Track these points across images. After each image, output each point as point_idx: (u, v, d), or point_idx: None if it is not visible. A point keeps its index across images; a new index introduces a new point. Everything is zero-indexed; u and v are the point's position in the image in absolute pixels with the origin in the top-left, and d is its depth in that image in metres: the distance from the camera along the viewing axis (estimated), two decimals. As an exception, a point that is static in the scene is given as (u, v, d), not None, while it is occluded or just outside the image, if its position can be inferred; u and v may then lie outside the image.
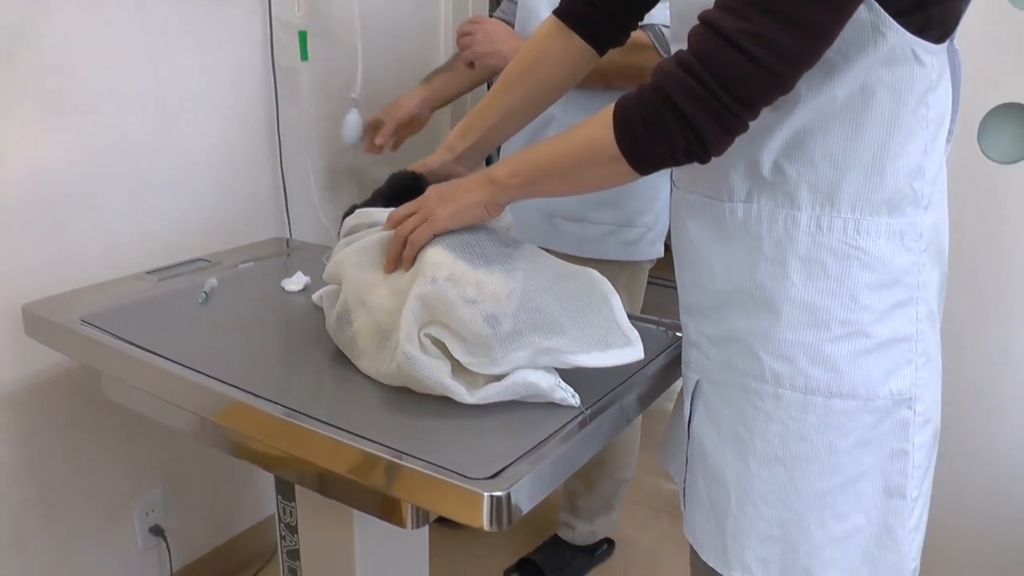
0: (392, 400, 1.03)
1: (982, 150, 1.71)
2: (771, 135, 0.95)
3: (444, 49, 2.37)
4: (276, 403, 1.01)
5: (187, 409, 1.14)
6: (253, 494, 2.11)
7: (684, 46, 0.90)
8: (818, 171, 0.95)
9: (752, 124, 0.89)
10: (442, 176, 1.22)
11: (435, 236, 1.04)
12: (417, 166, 1.25)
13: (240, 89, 1.81)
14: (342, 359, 1.13)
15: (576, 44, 1.19)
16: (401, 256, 1.06)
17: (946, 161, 1.01)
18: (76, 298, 1.40)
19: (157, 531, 1.86)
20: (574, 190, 1.04)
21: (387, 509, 0.98)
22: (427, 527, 1.06)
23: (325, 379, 1.12)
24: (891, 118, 0.92)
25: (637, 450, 2.05)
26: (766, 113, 0.89)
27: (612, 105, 0.93)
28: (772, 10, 0.82)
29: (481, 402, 0.98)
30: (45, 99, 1.48)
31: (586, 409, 1.01)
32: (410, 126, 1.86)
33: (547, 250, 1.74)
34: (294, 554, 1.29)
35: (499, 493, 0.83)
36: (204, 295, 1.39)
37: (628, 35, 1.22)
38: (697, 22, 0.87)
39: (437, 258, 1.01)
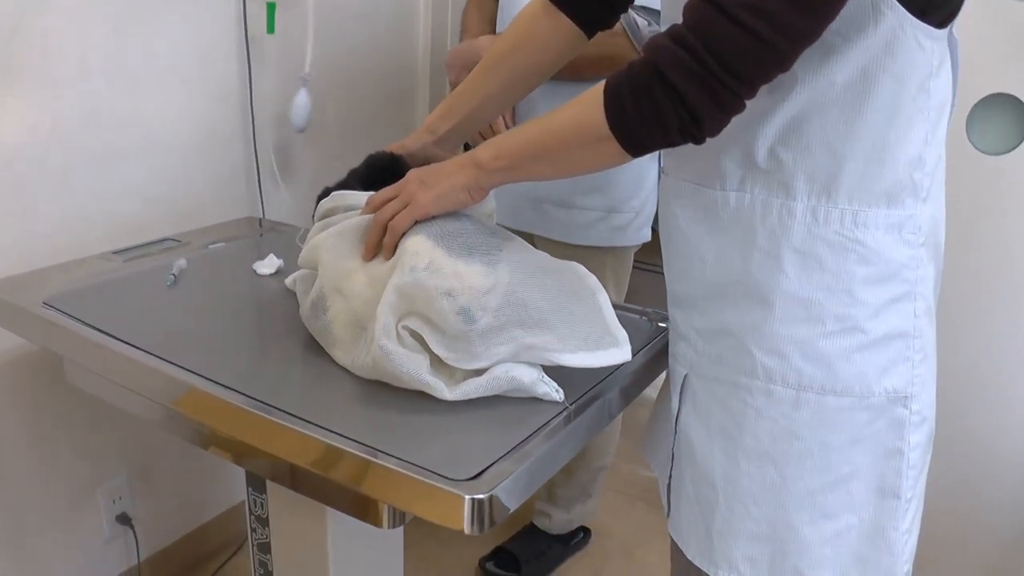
0: (367, 393, 0.98)
1: (970, 140, 1.68)
2: (766, 120, 0.91)
3: (423, 32, 2.30)
4: (243, 393, 0.97)
5: (150, 398, 1.09)
6: (224, 480, 2.06)
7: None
8: (815, 159, 0.91)
9: (747, 108, 0.85)
10: (421, 159, 1.17)
11: (416, 222, 0.99)
12: (395, 147, 1.19)
13: (211, 61, 1.74)
14: (316, 348, 1.08)
15: (563, 25, 1.14)
16: (380, 243, 1.01)
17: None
18: (39, 278, 1.34)
19: (124, 519, 1.81)
20: (561, 173, 0.99)
21: (362, 508, 0.94)
22: (403, 523, 1.02)
23: (297, 368, 1.07)
24: (892, 104, 0.88)
25: (617, 438, 2.02)
26: (762, 96, 0.85)
27: (601, 83, 0.88)
28: None
29: (461, 398, 0.94)
30: (5, 70, 1.41)
31: (570, 404, 0.97)
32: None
33: (534, 236, 1.76)
34: (265, 547, 1.25)
35: (481, 496, 0.79)
36: (172, 277, 1.33)
37: (618, 16, 1.17)
38: None
39: (417, 247, 0.96)
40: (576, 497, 2.03)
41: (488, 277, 0.94)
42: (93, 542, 1.77)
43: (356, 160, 1.19)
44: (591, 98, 0.89)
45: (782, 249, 0.94)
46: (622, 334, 0.98)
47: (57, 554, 1.70)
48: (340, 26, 2.02)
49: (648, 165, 1.62)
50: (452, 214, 1.02)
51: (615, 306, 1.04)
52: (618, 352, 0.96)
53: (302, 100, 1.81)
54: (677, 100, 0.83)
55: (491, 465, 0.84)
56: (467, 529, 0.80)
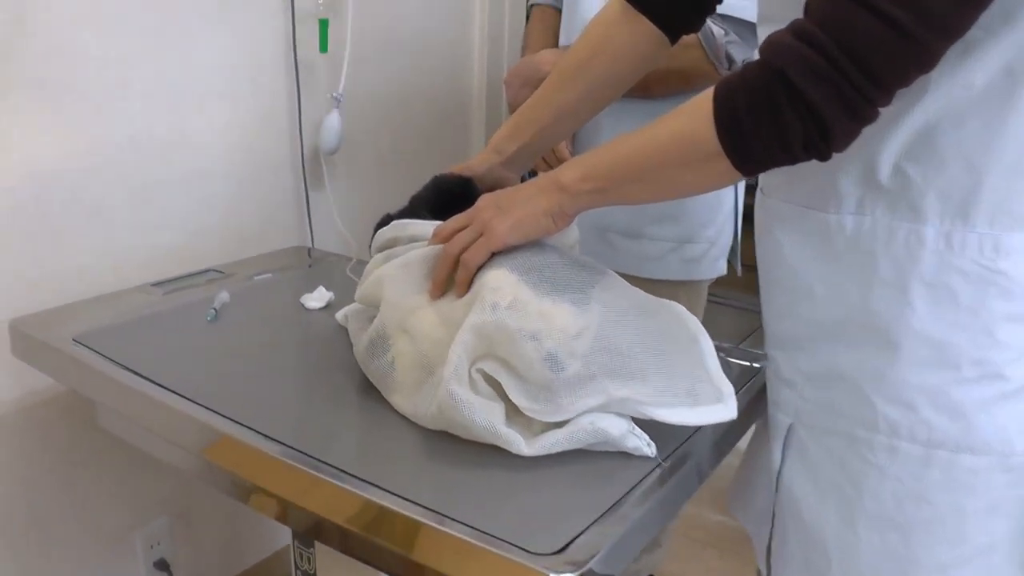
0: (431, 446, 0.87)
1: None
2: (891, 131, 0.79)
3: (478, 50, 2.21)
4: (285, 444, 0.86)
5: (183, 447, 0.98)
6: (267, 524, 1.94)
7: (772, 30, 0.74)
8: (949, 175, 0.78)
9: None
10: (488, 182, 1.06)
11: (493, 255, 0.88)
12: (460, 169, 1.08)
13: (258, 84, 1.65)
14: (371, 392, 0.97)
15: (644, 30, 1.03)
16: (451, 279, 0.90)
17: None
18: (71, 313, 1.25)
19: (162, 565, 1.70)
20: (659, 195, 0.88)
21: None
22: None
23: (348, 415, 0.95)
24: None
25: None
26: None
27: (708, 91, 0.77)
28: None
29: (540, 453, 0.82)
30: (44, 92, 1.33)
31: (664, 460, 0.84)
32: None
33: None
34: (311, 606, 1.13)
35: (571, 575, 0.66)
36: (214, 311, 1.23)
37: (704, 19, 1.05)
38: None
39: (498, 281, 0.85)
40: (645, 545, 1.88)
41: (578, 318, 0.83)
42: (130, 590, 1.67)
43: (413, 185, 1.08)
44: (697, 109, 0.77)
45: (910, 281, 0.81)
46: (727, 387, 0.86)
47: (91, 603, 1.60)
48: (388, 44, 1.92)
49: (725, 189, 1.49)
50: (534, 245, 0.90)
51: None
52: (722, 409, 0.84)
53: (333, 122, 1.71)
54: (803, 109, 0.70)
55: (580, 534, 0.72)
56: (554, 613, 0.67)
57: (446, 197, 0.99)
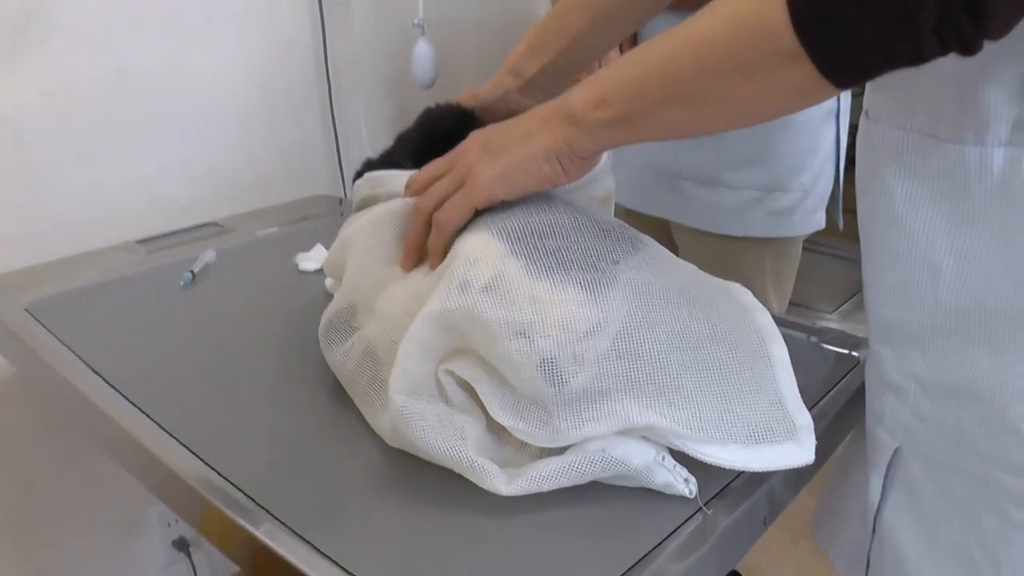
0: (403, 475, 0.64)
1: None
2: None
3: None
4: (227, 479, 0.64)
5: (113, 453, 0.79)
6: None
7: None
8: None
9: None
10: (501, 114, 0.81)
11: (477, 211, 0.64)
12: (466, 97, 0.84)
13: (276, 9, 1.43)
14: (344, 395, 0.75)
15: None
16: (425, 245, 0.67)
17: None
18: (33, 276, 1.08)
19: (181, 544, 1.55)
20: (706, 123, 0.61)
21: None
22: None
23: (321, 429, 0.73)
24: None
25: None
26: None
27: None
28: None
29: (524, 492, 0.58)
30: (13, 17, 1.14)
31: (706, 505, 0.60)
32: None
33: (670, 224, 1.37)
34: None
35: None
36: (190, 275, 1.03)
37: None
38: None
39: (476, 250, 0.61)
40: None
41: (590, 308, 0.58)
42: (147, 571, 1.53)
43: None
44: None
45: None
46: (803, 418, 0.61)
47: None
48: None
49: (823, 124, 1.20)
50: (539, 200, 0.66)
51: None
52: (794, 450, 0.59)
53: (424, 51, 1.47)
54: None
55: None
56: None
57: (438, 136, 0.75)
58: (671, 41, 0.56)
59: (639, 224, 0.93)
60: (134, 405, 0.75)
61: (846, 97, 1.22)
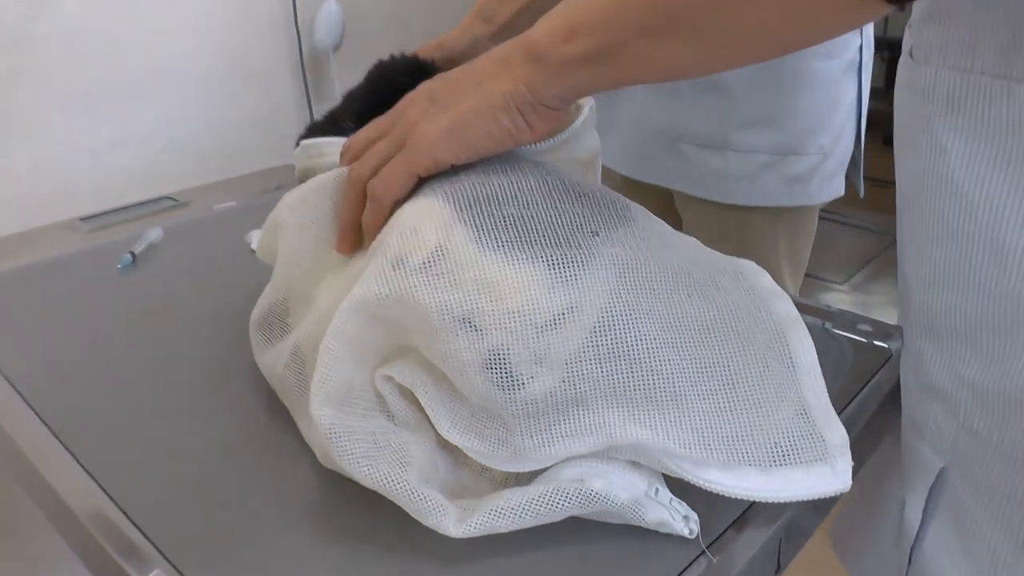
0: (347, 506, 0.52)
1: None
2: None
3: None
4: (127, 518, 0.53)
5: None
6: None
7: None
8: None
9: None
10: (468, 65, 0.69)
11: (420, 178, 0.52)
12: (428, 48, 0.72)
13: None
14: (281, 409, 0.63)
15: None
16: (360, 220, 0.54)
17: None
18: (-44, 259, 0.96)
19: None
20: (710, 54, 0.46)
21: None
22: None
23: (254, 447, 0.60)
24: None
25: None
26: None
27: None
28: None
29: (480, 533, 0.46)
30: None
31: (709, 549, 0.48)
32: None
33: (672, 193, 1.24)
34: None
35: None
36: (129, 257, 0.92)
37: None
38: None
39: (417, 219, 0.49)
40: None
41: (557, 292, 0.46)
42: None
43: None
44: None
45: None
46: (835, 433, 0.49)
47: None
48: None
49: (843, 77, 1.06)
50: (498, 161, 0.53)
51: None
52: (826, 473, 0.47)
53: (331, 13, 1.35)
54: None
55: None
56: None
57: (388, 94, 0.62)
58: None
59: (637, 195, 0.81)
60: (34, 411, 0.63)
61: (869, 47, 1.08)
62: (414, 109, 0.52)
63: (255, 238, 0.93)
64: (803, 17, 0.41)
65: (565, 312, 0.46)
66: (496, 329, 0.44)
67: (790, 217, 1.11)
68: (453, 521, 0.45)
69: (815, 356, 0.51)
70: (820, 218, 1.17)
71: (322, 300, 0.56)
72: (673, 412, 0.46)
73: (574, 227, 0.49)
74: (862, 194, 1.16)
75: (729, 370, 0.48)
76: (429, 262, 0.46)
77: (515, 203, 0.49)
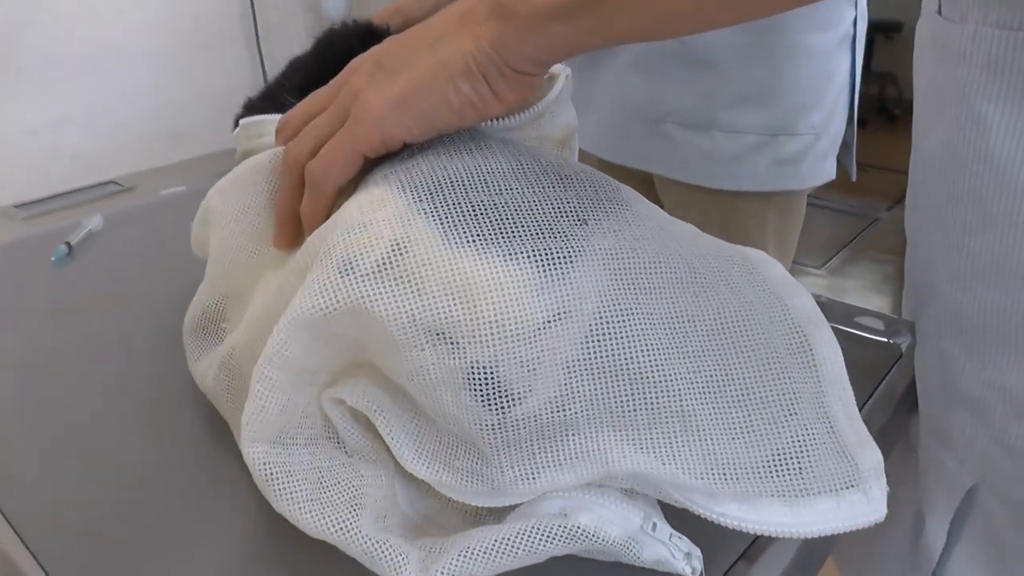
0: (292, 549, 0.45)
1: None
2: None
3: None
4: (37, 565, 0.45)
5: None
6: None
7: None
8: None
9: None
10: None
11: (368, 159, 0.44)
12: (386, 14, 0.64)
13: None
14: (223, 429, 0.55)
15: None
16: (298, 211, 0.47)
17: None
18: None
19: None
20: (695, 17, 0.40)
21: None
22: None
23: (192, 473, 0.53)
24: None
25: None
26: None
27: None
28: None
29: None
30: None
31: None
32: None
33: (653, 177, 1.17)
34: None
35: None
36: (65, 248, 0.84)
37: None
38: None
39: (366, 212, 0.41)
40: None
41: (541, 294, 0.38)
42: None
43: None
44: None
45: None
46: (868, 455, 0.42)
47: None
48: None
49: (837, 50, 1.00)
50: (459, 138, 0.46)
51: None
52: (858, 501, 0.40)
53: None
54: None
55: None
56: None
57: (339, 60, 0.54)
58: None
59: (614, 179, 0.74)
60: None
61: (863, 20, 1.02)
62: (359, 76, 0.44)
63: (203, 227, 0.86)
64: None
65: (553, 319, 0.38)
66: (474, 342, 0.37)
67: (780, 201, 1.05)
68: (415, 570, 0.38)
69: (842, 362, 0.44)
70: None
71: (257, 300, 0.48)
72: (681, 435, 0.39)
73: (557, 214, 0.42)
74: (854, 177, 1.10)
75: (745, 382, 0.41)
76: (384, 264, 0.39)
77: (484, 188, 0.42)
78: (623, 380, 0.39)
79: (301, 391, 0.41)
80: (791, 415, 0.41)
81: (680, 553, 0.40)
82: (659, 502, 0.42)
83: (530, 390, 0.38)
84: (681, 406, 0.39)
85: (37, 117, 1.13)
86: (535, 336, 0.38)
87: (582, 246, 0.41)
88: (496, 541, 0.39)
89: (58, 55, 1.13)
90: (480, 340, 0.37)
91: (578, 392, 0.39)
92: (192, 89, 1.29)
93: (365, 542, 0.38)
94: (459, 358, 0.38)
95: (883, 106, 4.38)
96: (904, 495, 0.59)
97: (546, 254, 0.39)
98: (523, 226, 0.40)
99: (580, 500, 0.40)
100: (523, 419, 0.38)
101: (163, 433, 0.55)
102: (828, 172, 1.04)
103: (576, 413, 0.39)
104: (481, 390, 0.38)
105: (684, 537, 0.41)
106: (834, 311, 0.67)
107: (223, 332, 0.52)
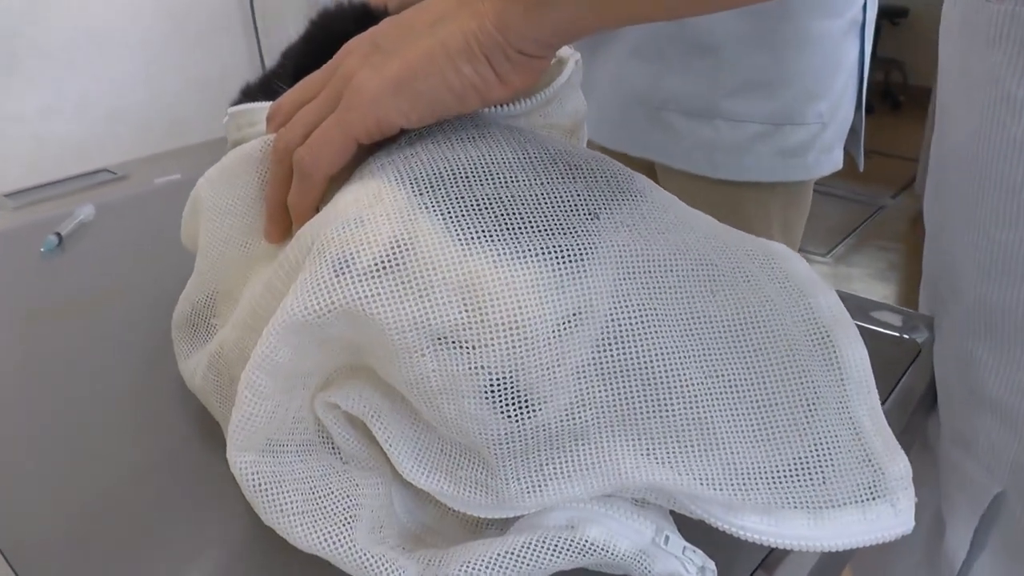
0: (280, 559, 0.43)
1: None
2: None
3: None
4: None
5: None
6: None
7: None
8: None
9: None
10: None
11: (360, 145, 0.42)
12: (383, -4, 0.62)
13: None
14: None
15: None
16: (287, 203, 0.44)
17: None
18: None
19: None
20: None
21: None
22: None
23: (180, 476, 0.51)
24: None
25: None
26: None
27: None
28: None
29: None
30: None
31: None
32: None
33: (654, 166, 1.15)
34: None
35: None
36: (55, 239, 0.82)
37: None
38: None
39: (362, 206, 0.39)
40: None
41: (554, 295, 0.36)
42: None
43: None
44: None
45: None
46: (896, 464, 0.40)
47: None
48: None
49: (845, 37, 0.97)
50: (461, 124, 0.43)
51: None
52: (886, 513, 0.39)
53: None
54: None
55: None
56: None
57: (333, 44, 0.52)
58: None
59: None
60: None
61: (873, 6, 0.99)
62: (353, 58, 0.42)
63: (196, 217, 0.83)
64: None
65: (567, 320, 0.36)
66: (487, 346, 0.35)
67: (784, 192, 1.03)
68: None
69: (868, 364, 0.42)
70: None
71: (246, 296, 0.46)
72: (698, 443, 0.37)
73: (567, 209, 0.39)
74: (862, 167, 1.07)
75: (765, 386, 0.39)
76: (384, 263, 0.36)
77: (489, 181, 0.39)
78: (636, 385, 0.37)
79: (292, 395, 0.39)
80: (814, 420, 0.39)
81: (694, 567, 0.38)
82: (672, 511, 0.40)
83: (549, 398, 0.36)
84: (697, 412, 0.37)
85: (28, 105, 1.10)
86: (552, 340, 0.36)
87: (594, 243, 0.38)
88: (500, 555, 0.37)
89: (51, 42, 1.10)
90: (494, 345, 0.35)
91: (589, 399, 0.37)
92: (187, 76, 1.27)
93: (360, 556, 0.37)
94: (468, 364, 0.35)
95: (888, 92, 4.35)
96: (921, 497, 0.57)
97: (558, 252, 0.37)
98: (532, 222, 0.38)
99: (588, 511, 0.38)
100: (539, 426, 0.36)
101: (151, 431, 0.53)
102: (835, 162, 1.02)
103: (587, 421, 0.37)
104: (499, 399, 0.36)
105: (698, 550, 0.39)
106: (848, 305, 0.65)
107: (213, 328, 0.50)
